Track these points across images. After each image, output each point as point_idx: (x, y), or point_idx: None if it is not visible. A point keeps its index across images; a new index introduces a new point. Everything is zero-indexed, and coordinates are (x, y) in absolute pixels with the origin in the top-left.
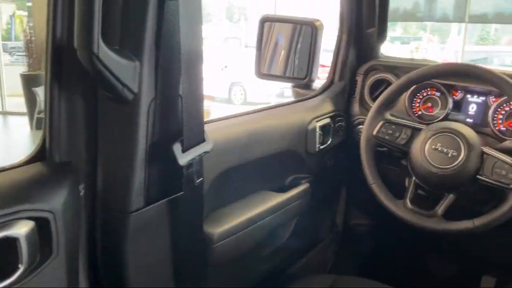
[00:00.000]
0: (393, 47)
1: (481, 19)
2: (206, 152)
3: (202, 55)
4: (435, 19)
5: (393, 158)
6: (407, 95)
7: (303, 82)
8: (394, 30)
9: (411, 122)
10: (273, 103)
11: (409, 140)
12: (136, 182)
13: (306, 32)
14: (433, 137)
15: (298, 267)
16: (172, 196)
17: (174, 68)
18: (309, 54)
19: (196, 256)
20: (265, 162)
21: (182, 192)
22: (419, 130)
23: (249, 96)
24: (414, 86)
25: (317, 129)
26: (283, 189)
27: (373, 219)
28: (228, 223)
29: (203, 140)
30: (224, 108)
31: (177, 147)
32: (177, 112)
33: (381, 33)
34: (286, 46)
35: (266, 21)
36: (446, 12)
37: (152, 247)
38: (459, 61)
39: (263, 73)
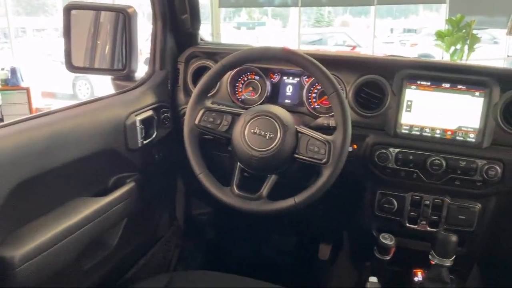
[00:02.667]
0: (240, 33)
1: (314, 2)
2: None
3: None
4: (274, 4)
5: (222, 145)
6: (228, 80)
7: (122, 74)
8: (239, 16)
9: (231, 108)
10: None
11: (230, 126)
12: None
13: (119, 20)
14: (251, 121)
15: (136, 271)
16: None
17: None
18: (125, 44)
19: None
20: (77, 166)
21: None
22: (239, 115)
23: (97, 90)
24: (233, 71)
25: (138, 123)
26: (107, 192)
27: (214, 207)
28: (34, 241)
29: None
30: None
31: None
32: None
33: (195, 19)
34: (100, 36)
35: (72, 9)
36: None
37: None
38: (296, 43)
39: (75, 66)
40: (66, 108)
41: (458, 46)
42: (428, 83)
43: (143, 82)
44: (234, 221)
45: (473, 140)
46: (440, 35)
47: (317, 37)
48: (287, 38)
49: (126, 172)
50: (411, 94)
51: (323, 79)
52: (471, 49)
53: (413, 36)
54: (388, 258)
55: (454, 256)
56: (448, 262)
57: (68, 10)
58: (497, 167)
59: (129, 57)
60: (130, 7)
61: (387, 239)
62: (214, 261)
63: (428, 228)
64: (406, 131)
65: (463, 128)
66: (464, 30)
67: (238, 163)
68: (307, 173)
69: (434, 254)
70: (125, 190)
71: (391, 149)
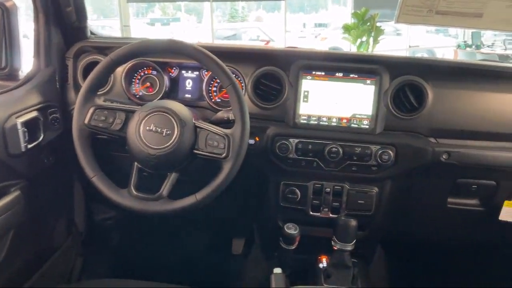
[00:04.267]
0: (154, 29)
1: None
2: None
3: None
4: None
5: (121, 145)
6: (123, 76)
7: (3, 72)
8: (153, 12)
9: (124, 105)
10: None
11: (124, 125)
12: None
13: None
14: (146, 118)
15: (31, 285)
16: None
17: None
18: (4, 40)
19: None
20: None
21: None
22: (133, 112)
23: None
24: (128, 66)
25: (19, 126)
26: None
27: (118, 210)
28: None
29: None
30: None
31: None
32: None
33: (80, 12)
34: None
35: None
36: None
37: None
38: (210, 39)
39: None
40: None
41: (364, 39)
42: (323, 73)
43: (26, 81)
44: (142, 224)
45: (367, 126)
46: (347, 28)
47: (231, 32)
48: (202, 34)
49: (8, 180)
50: (307, 84)
51: (218, 72)
52: (375, 41)
53: (324, 30)
54: (293, 247)
55: (355, 240)
56: (349, 247)
57: None
58: (390, 152)
59: (10, 55)
60: (8, 1)
61: (291, 229)
62: (122, 267)
63: (331, 215)
64: (305, 121)
65: (357, 116)
66: (368, 23)
67: (136, 163)
68: (209, 168)
69: (336, 240)
70: (8, 200)
71: (291, 140)
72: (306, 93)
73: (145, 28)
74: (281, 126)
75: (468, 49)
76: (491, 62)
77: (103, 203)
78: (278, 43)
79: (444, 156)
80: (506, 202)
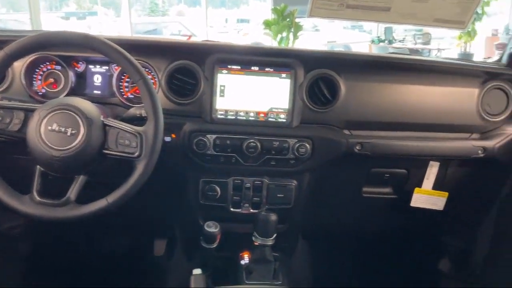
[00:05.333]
0: (69, 23)
1: None
2: None
3: None
4: None
5: (21, 147)
6: (22, 72)
7: None
8: (67, 5)
9: (22, 104)
10: None
11: (24, 125)
12: None
13: None
14: (48, 117)
15: None
16: None
17: None
18: None
19: None
20: None
21: None
22: (32, 111)
23: None
24: (28, 61)
25: None
26: None
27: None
28: None
29: None
30: None
31: None
32: None
33: None
34: None
35: None
36: None
37: None
38: (129, 33)
39: None
40: None
41: (284, 34)
42: (238, 67)
43: None
44: (54, 229)
45: (284, 120)
46: (267, 24)
47: (152, 26)
48: (121, 28)
49: None
50: (223, 78)
51: (127, 66)
52: (295, 36)
53: (246, 26)
54: (214, 246)
55: (276, 234)
56: (270, 241)
57: None
58: (307, 145)
59: None
60: None
61: (211, 227)
62: (36, 277)
63: (251, 210)
64: (222, 116)
65: (274, 110)
66: (288, 19)
67: (38, 166)
68: (121, 169)
69: (257, 235)
70: None
71: (208, 136)
72: (222, 88)
73: (58, 22)
74: (198, 122)
75: (381, 44)
76: (398, 55)
77: (7, 211)
78: (201, 38)
79: (357, 147)
80: (416, 189)
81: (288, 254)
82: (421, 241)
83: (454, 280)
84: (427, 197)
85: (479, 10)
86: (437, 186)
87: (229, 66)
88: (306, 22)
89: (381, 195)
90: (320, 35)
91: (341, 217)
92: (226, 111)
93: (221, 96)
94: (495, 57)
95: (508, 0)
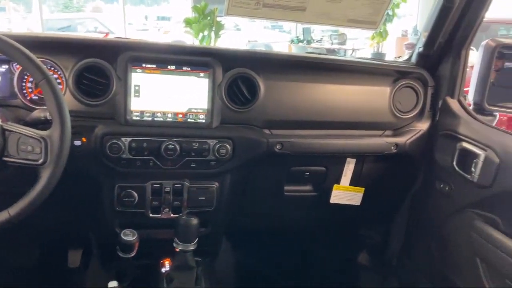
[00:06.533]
0: None
1: None
2: None
3: None
4: None
5: None
6: None
7: None
8: None
9: None
10: None
11: None
12: None
13: None
14: None
15: None
16: None
17: None
18: None
19: None
20: None
21: None
22: None
23: None
24: None
25: None
26: None
27: None
28: None
29: None
30: None
31: None
32: None
33: None
34: None
35: None
36: None
37: None
38: (41, 30)
39: None
40: None
41: (206, 33)
42: (154, 66)
43: None
44: None
45: (204, 121)
46: (188, 22)
47: (65, 23)
48: (31, 25)
49: None
50: (137, 78)
51: (27, 64)
52: (217, 35)
53: (167, 23)
54: (132, 254)
55: (198, 239)
56: (191, 246)
57: None
58: (227, 145)
59: None
60: None
61: (128, 235)
62: None
63: (172, 215)
64: (138, 118)
65: (193, 110)
66: (209, 18)
67: None
68: (25, 179)
69: (178, 241)
70: None
71: (123, 139)
72: (137, 88)
73: None
74: (111, 124)
75: (300, 44)
76: (316, 55)
77: None
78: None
79: (278, 147)
80: (335, 186)
81: (212, 258)
82: (341, 235)
83: (372, 272)
84: (345, 193)
85: (389, 12)
86: (354, 182)
87: (143, 65)
88: (227, 21)
89: (302, 193)
90: (241, 34)
91: (264, 216)
92: (142, 112)
93: (136, 96)
94: (405, 56)
95: (416, 2)
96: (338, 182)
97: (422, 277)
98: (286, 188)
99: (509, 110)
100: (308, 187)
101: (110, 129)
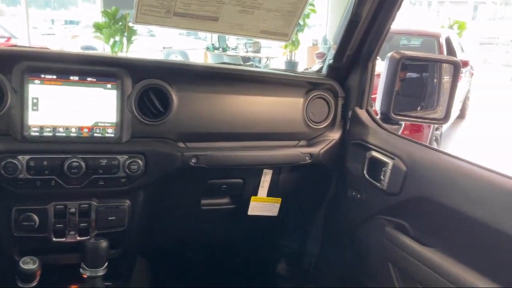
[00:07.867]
0: None
1: None
2: None
3: None
4: None
5: None
6: None
7: None
8: None
9: None
10: None
11: None
12: None
13: None
14: None
15: None
16: None
17: None
18: None
19: None
20: None
21: None
22: None
23: None
24: None
25: None
26: None
27: None
28: None
29: None
30: None
31: None
32: None
33: None
34: None
35: None
36: None
37: None
38: None
39: None
40: None
41: (117, 38)
42: (54, 77)
43: None
44: None
45: (112, 135)
46: (98, 27)
47: None
48: None
49: None
50: (35, 90)
51: None
52: (129, 41)
53: (75, 28)
54: (34, 284)
55: (107, 262)
56: (101, 271)
57: None
58: (139, 160)
59: None
60: None
61: (29, 263)
62: None
63: (79, 238)
64: (36, 134)
65: (100, 124)
66: (120, 23)
67: None
68: None
69: (85, 267)
70: None
71: (20, 157)
72: (35, 101)
73: None
74: (6, 141)
75: (216, 51)
76: (230, 65)
77: None
78: (22, 41)
79: (193, 160)
80: (252, 198)
81: (123, 280)
82: (261, 246)
83: (290, 280)
84: (262, 204)
85: (301, 22)
86: (271, 192)
87: (42, 76)
88: (140, 27)
89: (220, 206)
90: (155, 40)
91: (180, 231)
92: (42, 127)
93: (34, 110)
94: (316, 66)
95: (325, 13)
96: (255, 193)
97: (338, 283)
98: (203, 201)
99: (413, 119)
100: (225, 200)
101: (4, 147)
